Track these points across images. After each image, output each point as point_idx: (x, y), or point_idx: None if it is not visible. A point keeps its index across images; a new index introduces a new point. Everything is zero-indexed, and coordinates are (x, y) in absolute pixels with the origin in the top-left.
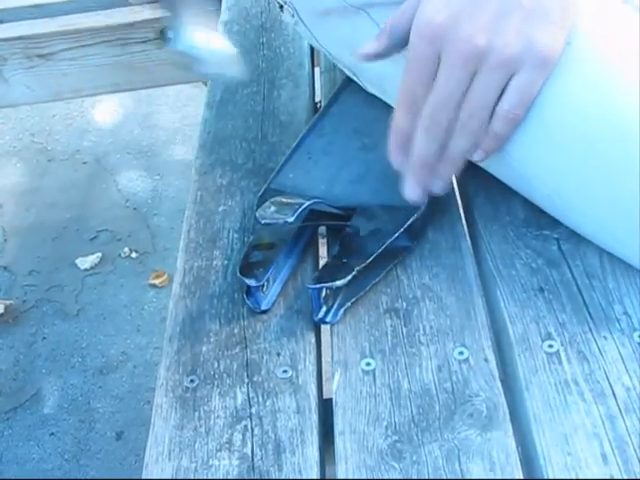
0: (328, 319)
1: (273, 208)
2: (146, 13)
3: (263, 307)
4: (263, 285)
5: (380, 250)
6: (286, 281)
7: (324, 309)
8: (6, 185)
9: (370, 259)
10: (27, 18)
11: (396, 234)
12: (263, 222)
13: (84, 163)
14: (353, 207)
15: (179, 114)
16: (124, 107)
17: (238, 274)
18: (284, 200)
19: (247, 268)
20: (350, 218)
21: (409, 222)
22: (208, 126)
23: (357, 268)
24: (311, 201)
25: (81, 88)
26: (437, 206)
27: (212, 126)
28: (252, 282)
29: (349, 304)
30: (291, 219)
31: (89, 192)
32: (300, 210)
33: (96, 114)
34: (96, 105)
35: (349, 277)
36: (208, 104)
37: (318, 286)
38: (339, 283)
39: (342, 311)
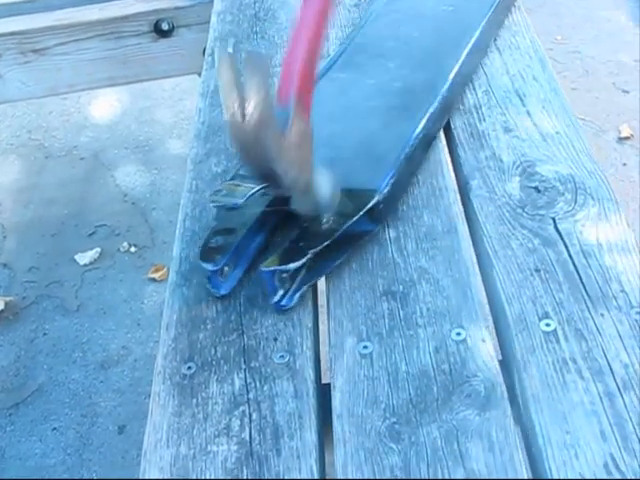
0: (284, 302)
1: (224, 192)
2: (139, 6)
3: (222, 292)
4: (222, 270)
5: (338, 234)
6: (248, 267)
7: (280, 292)
8: (4, 182)
9: (325, 243)
10: (20, 13)
11: (355, 217)
12: (212, 205)
13: (82, 159)
14: None
15: (176, 108)
16: (121, 102)
17: (198, 259)
18: (238, 184)
19: (207, 253)
20: None
21: (369, 205)
22: (202, 116)
23: (312, 251)
24: (262, 186)
25: (76, 83)
26: (407, 185)
27: (206, 115)
28: (209, 266)
29: (306, 288)
30: (240, 201)
31: (87, 188)
32: (250, 194)
33: (93, 110)
34: (93, 101)
35: (303, 260)
36: (202, 94)
37: (271, 269)
38: (292, 266)
39: (298, 295)
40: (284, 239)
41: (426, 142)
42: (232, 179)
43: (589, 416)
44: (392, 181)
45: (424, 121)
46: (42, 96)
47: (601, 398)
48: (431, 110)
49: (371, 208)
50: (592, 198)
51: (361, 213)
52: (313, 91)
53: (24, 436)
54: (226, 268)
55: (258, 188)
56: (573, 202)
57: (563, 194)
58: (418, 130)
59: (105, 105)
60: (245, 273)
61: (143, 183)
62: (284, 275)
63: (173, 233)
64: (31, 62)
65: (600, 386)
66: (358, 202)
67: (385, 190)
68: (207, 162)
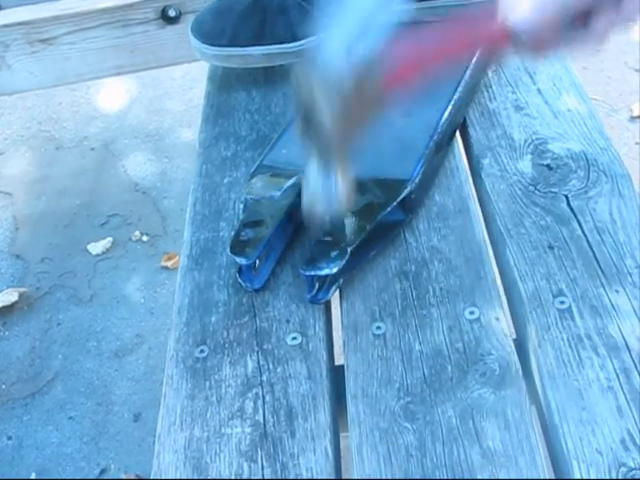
0: (320, 296)
1: (260, 184)
2: None
3: (256, 286)
4: (254, 263)
5: (372, 226)
6: (279, 259)
7: (316, 287)
8: (15, 174)
9: (362, 237)
10: (27, 3)
11: (389, 208)
12: (249, 198)
13: (92, 149)
14: None
15: (185, 97)
16: (130, 92)
17: (229, 252)
18: (272, 176)
19: (238, 246)
20: None
21: (402, 195)
22: (211, 99)
23: (350, 249)
24: (298, 176)
25: (84, 72)
26: (437, 174)
27: (215, 99)
28: (242, 261)
29: (341, 281)
30: (277, 194)
31: (98, 178)
32: (287, 185)
33: (102, 100)
34: (102, 91)
35: (343, 262)
36: (210, 78)
37: (312, 274)
38: (335, 270)
39: (334, 288)
40: (313, 231)
41: (452, 129)
42: (257, 169)
43: (605, 392)
44: (422, 170)
45: (450, 107)
46: (50, 86)
47: (617, 374)
48: (456, 96)
49: (403, 198)
50: (605, 174)
51: (394, 204)
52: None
53: (40, 425)
54: (258, 261)
55: (294, 179)
56: (586, 179)
57: (575, 171)
58: (445, 117)
59: (114, 95)
60: (276, 266)
61: (154, 172)
62: None
63: (184, 221)
64: (39, 52)
65: (616, 362)
66: (390, 192)
67: (417, 179)
68: (216, 146)
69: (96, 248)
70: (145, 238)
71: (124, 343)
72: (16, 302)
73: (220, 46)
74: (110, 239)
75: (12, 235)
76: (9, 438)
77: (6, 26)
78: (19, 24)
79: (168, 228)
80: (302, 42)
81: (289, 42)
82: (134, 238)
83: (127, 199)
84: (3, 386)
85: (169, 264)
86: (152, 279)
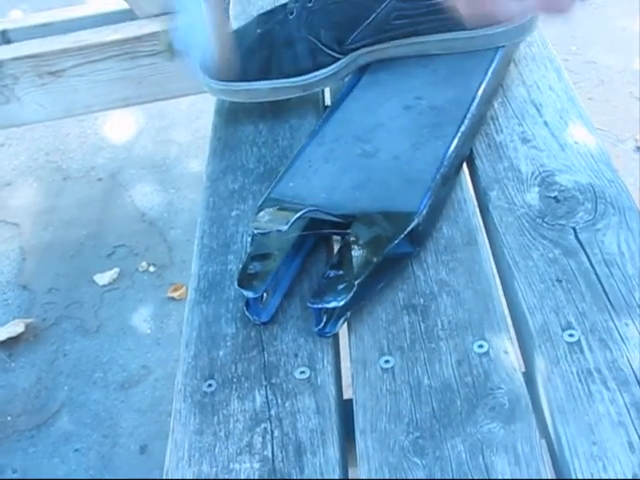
0: (327, 329)
1: (267, 217)
2: (153, 26)
3: (263, 319)
4: (262, 297)
5: (380, 259)
6: (287, 292)
7: (324, 320)
8: (23, 205)
9: (370, 270)
10: (36, 36)
11: (396, 240)
12: (257, 231)
13: (99, 180)
14: (353, 214)
15: (192, 127)
16: (137, 123)
17: (236, 285)
18: (280, 209)
19: (245, 279)
20: (350, 225)
21: (409, 228)
22: (218, 132)
23: (357, 282)
24: (305, 209)
25: (92, 103)
26: (444, 206)
27: (222, 132)
28: (250, 294)
29: (349, 314)
30: (285, 227)
31: (105, 208)
32: (294, 219)
33: (109, 131)
34: (109, 122)
35: (350, 294)
36: (217, 111)
37: (320, 306)
38: (341, 303)
39: (342, 321)
40: (319, 264)
41: (459, 161)
42: (264, 203)
43: (616, 427)
44: (430, 202)
45: (456, 140)
46: (59, 118)
47: (628, 409)
48: (462, 129)
49: (410, 231)
50: (612, 207)
51: (402, 236)
52: None
53: (46, 458)
54: (265, 295)
55: (301, 213)
56: (593, 211)
57: (583, 203)
58: (452, 149)
59: (122, 126)
60: (283, 299)
61: (160, 202)
62: None
63: (191, 252)
64: (48, 84)
65: (626, 396)
66: (397, 225)
67: (424, 212)
68: (224, 179)
69: (103, 279)
70: (152, 269)
71: (130, 374)
72: (22, 333)
73: (227, 81)
74: (117, 269)
75: (19, 266)
76: (14, 471)
77: (16, 59)
78: (28, 57)
79: (175, 259)
80: (309, 76)
81: (295, 76)
82: (141, 269)
83: (134, 230)
84: (9, 418)
85: (176, 295)
86: (159, 310)
